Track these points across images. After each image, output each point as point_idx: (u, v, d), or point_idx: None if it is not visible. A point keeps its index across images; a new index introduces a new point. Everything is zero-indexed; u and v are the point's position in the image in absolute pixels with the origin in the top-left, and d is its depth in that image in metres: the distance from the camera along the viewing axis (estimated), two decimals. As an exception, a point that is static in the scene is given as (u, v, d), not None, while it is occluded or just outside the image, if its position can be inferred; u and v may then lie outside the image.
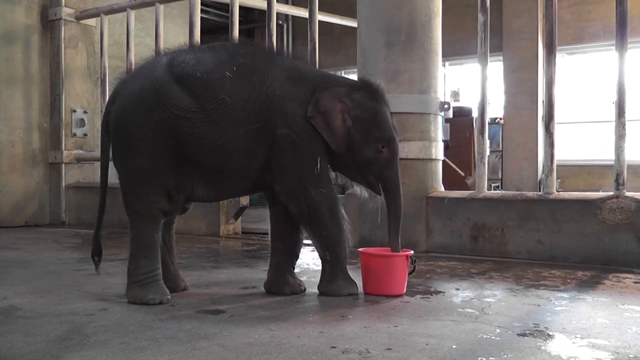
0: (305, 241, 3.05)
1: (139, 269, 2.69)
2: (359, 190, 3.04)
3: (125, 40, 6.36)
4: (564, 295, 2.92)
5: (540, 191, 4.31)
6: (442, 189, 4.65)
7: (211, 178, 2.79)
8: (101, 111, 6.59)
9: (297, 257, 3.00)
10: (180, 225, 3.02)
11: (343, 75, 11.08)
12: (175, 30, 7.54)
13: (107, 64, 6.63)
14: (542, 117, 8.57)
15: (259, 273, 3.43)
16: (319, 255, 2.88)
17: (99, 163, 6.99)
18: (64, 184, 6.71)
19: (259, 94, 2.73)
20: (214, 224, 5.53)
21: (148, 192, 2.71)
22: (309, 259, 3.99)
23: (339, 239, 2.84)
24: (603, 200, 3.85)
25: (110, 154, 2.86)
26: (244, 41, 3.41)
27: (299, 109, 2.78)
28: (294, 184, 2.78)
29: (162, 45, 5.96)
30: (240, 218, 5.64)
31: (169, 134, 2.68)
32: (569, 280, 3.30)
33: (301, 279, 3.04)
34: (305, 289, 2.95)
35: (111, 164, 2.89)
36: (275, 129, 2.74)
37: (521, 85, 9.74)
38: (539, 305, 2.70)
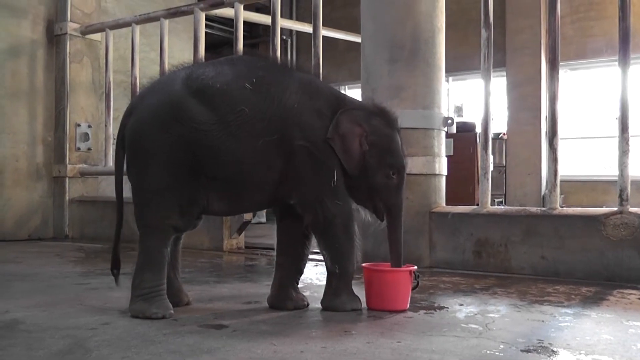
0: (310, 256, 3.05)
1: (144, 282, 2.68)
2: (363, 213, 3.04)
3: (130, 55, 6.40)
4: (568, 311, 2.91)
5: (543, 207, 4.30)
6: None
7: (227, 191, 2.77)
8: (105, 125, 6.64)
9: (301, 272, 2.99)
10: (183, 239, 3.02)
11: (346, 90, 11.17)
12: (180, 45, 7.58)
13: (111, 79, 6.67)
14: (546, 132, 8.61)
15: (262, 288, 3.42)
16: (327, 268, 2.87)
17: (102, 177, 7.07)
18: (67, 198, 6.72)
19: (278, 106, 2.74)
20: (217, 238, 5.52)
21: (161, 207, 2.70)
22: (312, 274, 3.99)
23: (349, 253, 2.84)
24: (607, 216, 3.84)
25: (125, 167, 2.85)
26: (262, 55, 3.42)
27: (317, 122, 2.79)
28: (311, 195, 2.79)
29: (166, 60, 5.99)
30: (243, 233, 5.64)
31: (185, 148, 2.67)
32: (573, 296, 3.29)
33: (304, 294, 3.03)
34: (308, 304, 2.94)
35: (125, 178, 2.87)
36: (292, 141, 2.74)
37: (524, 101, 9.76)
38: (543, 321, 2.69)
